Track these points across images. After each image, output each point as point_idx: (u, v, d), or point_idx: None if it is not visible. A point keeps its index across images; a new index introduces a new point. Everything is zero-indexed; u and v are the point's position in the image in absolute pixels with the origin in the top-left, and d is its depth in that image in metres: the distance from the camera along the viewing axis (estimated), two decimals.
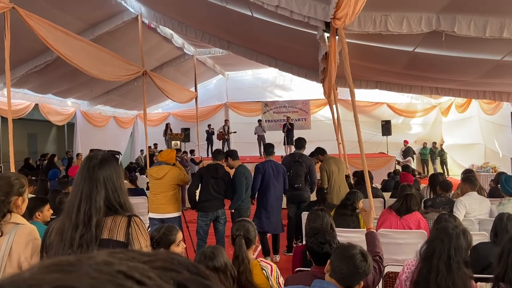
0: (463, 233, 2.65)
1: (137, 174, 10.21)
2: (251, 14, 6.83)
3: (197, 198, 6.02)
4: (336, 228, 4.05)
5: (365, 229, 3.96)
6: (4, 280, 0.31)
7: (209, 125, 17.11)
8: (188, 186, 6.17)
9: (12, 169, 6.17)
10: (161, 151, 7.15)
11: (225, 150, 12.22)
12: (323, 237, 2.73)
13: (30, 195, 5.24)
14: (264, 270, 2.98)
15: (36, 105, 12.97)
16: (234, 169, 6.13)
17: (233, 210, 5.98)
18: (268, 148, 6.73)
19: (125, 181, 8.77)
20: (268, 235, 6.46)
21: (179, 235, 2.88)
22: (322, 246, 2.67)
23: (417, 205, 4.65)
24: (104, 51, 8.32)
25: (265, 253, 6.26)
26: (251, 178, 6.13)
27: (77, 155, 14.42)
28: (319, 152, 7.11)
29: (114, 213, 1.91)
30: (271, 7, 5.61)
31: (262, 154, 15.95)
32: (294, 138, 7.55)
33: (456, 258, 2.55)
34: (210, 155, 13.72)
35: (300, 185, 6.57)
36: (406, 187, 5.56)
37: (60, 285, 0.30)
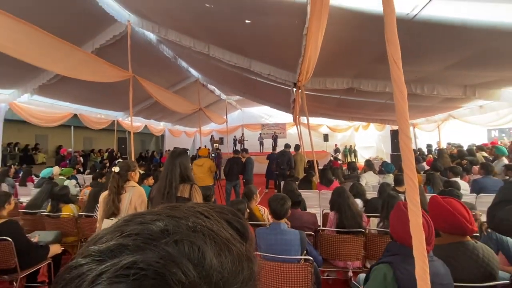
0: (350, 193, 2.71)
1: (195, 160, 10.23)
2: (255, 78, 6.85)
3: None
4: (300, 190, 4.03)
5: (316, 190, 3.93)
6: (143, 211, 0.32)
7: (234, 137, 17.10)
8: (223, 167, 6.20)
9: (133, 159, 6.20)
10: (200, 148, 7.22)
11: (241, 148, 12.22)
12: (294, 194, 2.70)
13: (142, 172, 5.29)
14: (261, 210, 2.99)
15: (146, 125, 12.98)
16: (245, 159, 6.14)
17: (244, 180, 6.00)
18: (274, 148, 8.80)
19: None
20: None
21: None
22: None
23: (330, 174, 4.40)
24: (179, 97, 8.43)
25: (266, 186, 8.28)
26: (253, 165, 6.14)
27: (166, 151, 14.38)
28: (296, 147, 7.24)
29: (183, 182, 1.86)
30: (265, 74, 5.64)
31: (261, 151, 16.04)
32: (284, 143, 7.78)
33: (352, 206, 2.59)
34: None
35: (284, 167, 6.59)
36: (336, 169, 5.44)
37: (169, 214, 0.31)
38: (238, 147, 15.77)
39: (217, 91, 12.92)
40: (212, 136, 17.24)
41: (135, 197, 2.08)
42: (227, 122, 14.08)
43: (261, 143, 16.35)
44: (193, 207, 0.34)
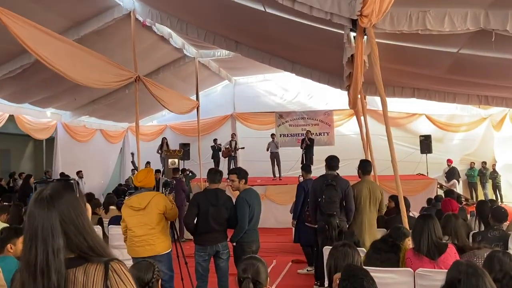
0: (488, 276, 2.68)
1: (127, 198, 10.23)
2: (263, 10, 6.89)
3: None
4: (370, 268, 3.96)
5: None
6: None
7: (215, 140, 16.96)
8: (184, 215, 6.08)
9: None
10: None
11: (231, 169, 12.13)
12: (361, 284, 2.62)
13: (3, 224, 5.21)
14: None
15: (11, 116, 13.04)
16: (239, 193, 5.87)
17: (234, 244, 5.78)
18: (307, 167, 8.67)
19: (113, 207, 8.81)
20: None
21: None
22: None
23: (438, 228, 4.24)
24: (91, 53, 8.37)
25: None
26: (257, 206, 5.91)
27: (60, 174, 14.27)
28: (361, 168, 6.79)
29: (84, 261, 1.77)
30: (286, 2, 5.67)
31: (275, 174, 15.86)
32: (329, 155, 7.03)
33: None
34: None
35: (335, 213, 6.10)
36: (451, 217, 5.29)
37: None
38: (224, 165, 15.79)
39: (177, 39, 13.05)
40: (163, 140, 17.33)
41: None
42: (198, 109, 14.17)
43: (275, 157, 16.33)
44: None
